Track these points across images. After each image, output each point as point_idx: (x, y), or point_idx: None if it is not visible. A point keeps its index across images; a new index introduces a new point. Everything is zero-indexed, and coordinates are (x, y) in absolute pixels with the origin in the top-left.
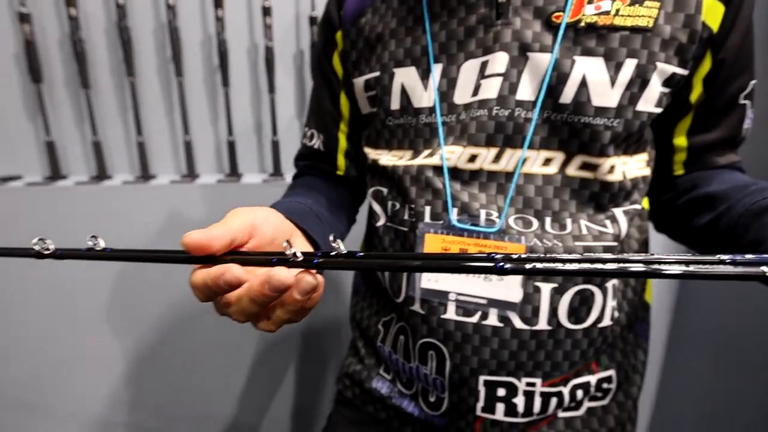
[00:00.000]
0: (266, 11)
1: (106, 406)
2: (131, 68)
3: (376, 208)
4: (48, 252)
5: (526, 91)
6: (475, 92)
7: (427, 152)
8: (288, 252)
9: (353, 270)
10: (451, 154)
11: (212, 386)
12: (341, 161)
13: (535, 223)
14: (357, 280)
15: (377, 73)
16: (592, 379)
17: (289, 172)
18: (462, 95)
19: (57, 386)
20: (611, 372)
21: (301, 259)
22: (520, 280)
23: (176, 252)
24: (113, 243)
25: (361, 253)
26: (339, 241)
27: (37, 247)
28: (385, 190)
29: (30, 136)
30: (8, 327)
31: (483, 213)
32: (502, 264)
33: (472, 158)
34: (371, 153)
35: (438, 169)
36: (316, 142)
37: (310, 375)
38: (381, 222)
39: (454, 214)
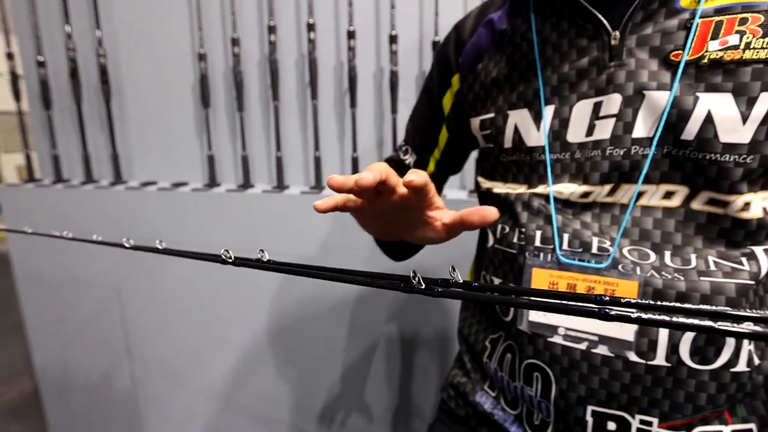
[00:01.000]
0: (393, 39)
1: (227, 384)
2: (276, 93)
3: (488, 229)
4: (230, 260)
5: (642, 129)
6: (590, 132)
7: (542, 187)
8: (414, 280)
9: (467, 300)
10: (565, 188)
11: (317, 382)
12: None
13: (653, 256)
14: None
15: (492, 115)
16: (725, 429)
17: None
18: (575, 134)
19: (193, 364)
20: (751, 426)
21: (423, 286)
22: None
23: (338, 270)
24: (252, 243)
25: (476, 284)
26: (457, 271)
27: (223, 256)
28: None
29: (196, 150)
30: (166, 314)
31: (595, 241)
32: (606, 310)
33: (586, 195)
34: (485, 183)
35: (549, 199)
36: (409, 159)
37: (412, 383)
38: (490, 243)
39: (564, 243)
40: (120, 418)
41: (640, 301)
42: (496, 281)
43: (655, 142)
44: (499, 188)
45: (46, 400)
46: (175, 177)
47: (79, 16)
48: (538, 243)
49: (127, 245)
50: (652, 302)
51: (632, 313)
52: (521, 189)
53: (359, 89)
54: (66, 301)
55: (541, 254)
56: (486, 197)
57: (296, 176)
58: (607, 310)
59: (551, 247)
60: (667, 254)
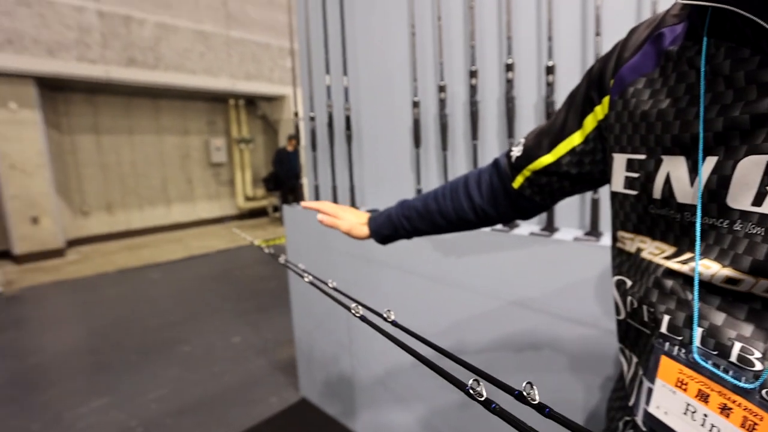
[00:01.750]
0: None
1: (424, 393)
2: (475, 133)
3: (617, 299)
4: (358, 315)
5: None
6: (758, 200)
7: (689, 255)
8: (473, 389)
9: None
10: (706, 268)
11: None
12: (520, 180)
13: None
14: (618, 367)
15: (643, 156)
16: None
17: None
18: (738, 199)
19: (395, 372)
20: None
21: (483, 398)
22: None
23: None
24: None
25: (548, 410)
26: (535, 389)
27: (353, 310)
28: (629, 283)
29: (410, 185)
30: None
31: (737, 347)
32: None
33: (732, 281)
34: (632, 240)
35: (689, 279)
36: (516, 153)
37: None
38: (622, 316)
39: (696, 338)
40: (342, 395)
41: None
42: (634, 359)
43: None
44: (648, 251)
45: (299, 364)
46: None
47: (336, 72)
48: (663, 329)
49: (330, 287)
50: None
51: None
52: (667, 253)
53: None
54: (313, 295)
55: (667, 344)
56: (623, 257)
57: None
58: None
59: (680, 338)
60: None
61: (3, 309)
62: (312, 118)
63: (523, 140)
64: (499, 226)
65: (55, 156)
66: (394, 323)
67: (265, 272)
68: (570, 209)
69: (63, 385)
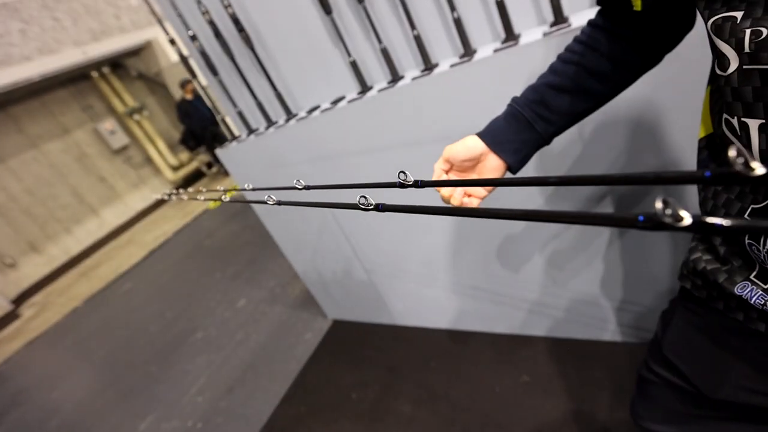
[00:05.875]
0: None
1: (436, 262)
2: None
3: (723, 47)
4: (371, 207)
5: None
6: None
7: None
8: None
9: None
10: None
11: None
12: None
13: None
14: (702, 155)
15: None
16: None
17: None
18: None
19: (407, 251)
20: None
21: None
22: None
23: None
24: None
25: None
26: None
27: (361, 203)
28: (738, 15)
29: (341, 63)
30: (374, 221)
31: None
32: None
33: None
34: None
35: None
36: None
37: (635, 267)
38: (734, 66)
39: None
40: (367, 297)
41: None
42: (754, 124)
43: None
44: None
45: (314, 293)
46: (334, 94)
47: None
48: None
49: (298, 187)
50: None
51: None
52: None
53: None
54: (297, 222)
55: None
56: None
57: (443, 50)
58: None
59: None
60: None
61: None
62: (193, 38)
63: None
64: (455, 59)
65: None
66: (417, 184)
67: (235, 227)
68: (521, 4)
69: (100, 428)
